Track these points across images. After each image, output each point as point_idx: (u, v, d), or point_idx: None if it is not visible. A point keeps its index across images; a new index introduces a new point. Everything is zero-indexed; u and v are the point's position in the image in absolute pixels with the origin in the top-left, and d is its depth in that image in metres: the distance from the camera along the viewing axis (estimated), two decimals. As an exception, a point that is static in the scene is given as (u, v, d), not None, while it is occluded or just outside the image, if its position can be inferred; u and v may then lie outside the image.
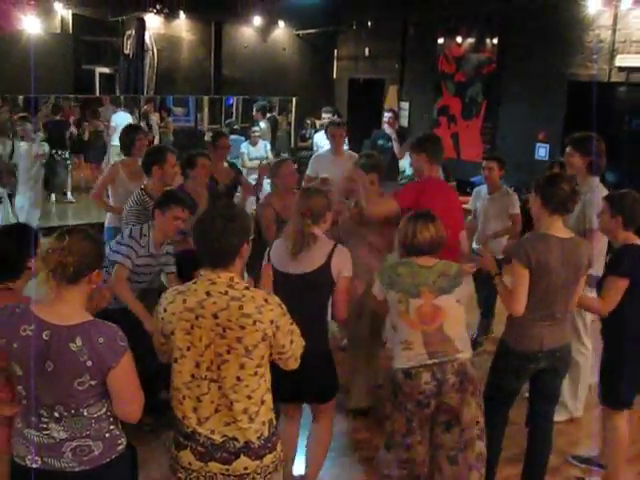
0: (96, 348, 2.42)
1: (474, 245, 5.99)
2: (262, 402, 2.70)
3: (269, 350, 2.68)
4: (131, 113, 11.80)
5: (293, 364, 2.85)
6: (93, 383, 2.46)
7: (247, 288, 2.66)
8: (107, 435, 2.58)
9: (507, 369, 3.69)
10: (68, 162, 11.00)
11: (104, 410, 2.56)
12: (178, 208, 4.22)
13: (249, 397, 2.65)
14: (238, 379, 2.61)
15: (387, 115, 9.06)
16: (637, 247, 3.78)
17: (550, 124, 9.34)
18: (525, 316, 3.51)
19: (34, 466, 2.54)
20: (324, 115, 9.71)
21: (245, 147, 9.64)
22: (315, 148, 9.58)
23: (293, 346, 2.78)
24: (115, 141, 10.96)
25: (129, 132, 5.85)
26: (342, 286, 3.56)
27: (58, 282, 2.48)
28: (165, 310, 2.67)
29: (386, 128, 8.96)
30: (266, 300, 2.65)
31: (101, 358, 2.43)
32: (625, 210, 3.78)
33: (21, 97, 11.13)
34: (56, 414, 2.50)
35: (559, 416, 4.42)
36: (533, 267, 3.44)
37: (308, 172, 6.77)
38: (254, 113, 11.97)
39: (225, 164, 6.10)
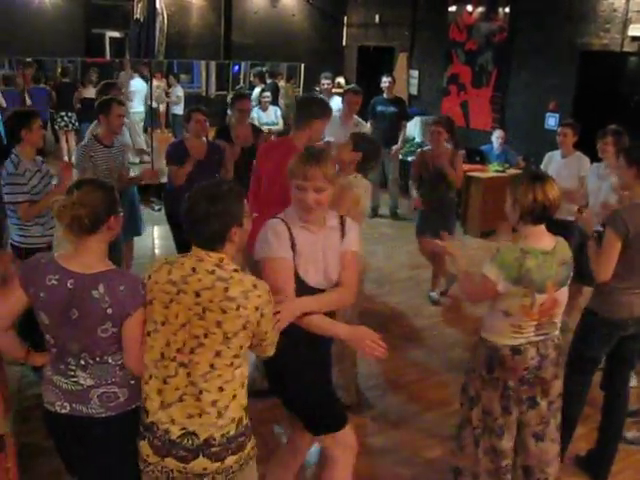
0: (117, 295, 2.49)
1: None
2: (234, 397, 2.55)
3: (249, 340, 2.54)
4: (143, 77, 11.85)
5: (270, 350, 2.71)
6: (115, 330, 2.53)
7: (236, 271, 2.52)
8: (132, 382, 2.64)
9: (595, 337, 3.74)
10: (75, 125, 11.18)
11: None
12: (35, 120, 4.69)
13: (221, 389, 2.50)
14: (212, 367, 2.48)
15: (385, 80, 9.08)
16: None
17: (561, 94, 9.33)
18: (616, 285, 3.56)
19: (63, 412, 2.63)
20: (323, 81, 9.70)
21: (256, 112, 9.68)
22: None
23: (274, 332, 2.67)
24: (135, 107, 11.05)
25: (105, 89, 6.39)
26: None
27: (77, 234, 2.54)
28: (149, 277, 2.56)
29: (385, 94, 9.01)
30: (255, 285, 2.50)
31: (121, 305, 2.49)
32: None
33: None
34: (82, 362, 2.58)
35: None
36: (630, 237, 3.46)
37: None
38: (251, 79, 11.97)
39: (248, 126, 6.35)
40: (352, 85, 7.50)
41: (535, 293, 3.08)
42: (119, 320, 2.51)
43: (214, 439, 2.50)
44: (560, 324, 3.32)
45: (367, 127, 7.44)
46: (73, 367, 2.59)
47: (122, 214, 2.72)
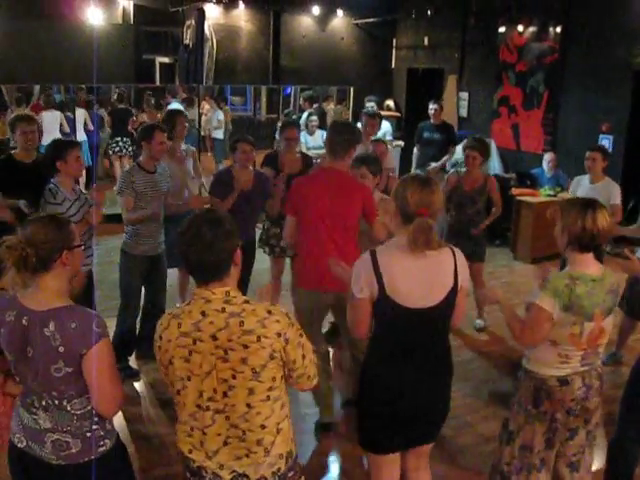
0: (68, 333, 2.40)
1: None
2: (278, 431, 2.46)
3: (281, 369, 2.43)
4: (185, 102, 11.93)
5: (307, 383, 2.56)
6: (69, 370, 2.44)
7: (247, 302, 2.41)
8: (88, 434, 2.55)
9: None
10: (129, 151, 11.35)
11: (89, 407, 2.53)
12: (74, 151, 4.72)
13: (263, 426, 2.42)
14: (248, 406, 2.38)
15: (432, 107, 8.97)
16: None
17: (614, 115, 9.07)
18: None
19: (19, 445, 2.60)
20: (367, 104, 9.63)
21: (303, 137, 9.63)
22: None
23: (305, 362, 2.48)
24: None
25: (171, 116, 6.36)
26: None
27: (30, 272, 2.48)
28: (161, 338, 2.44)
29: (432, 120, 8.91)
30: (269, 312, 2.38)
31: (72, 343, 2.41)
32: None
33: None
34: (43, 402, 2.52)
35: None
36: None
37: None
38: (301, 102, 11.99)
39: (297, 154, 6.24)
40: (367, 108, 7.39)
41: (584, 321, 3.01)
42: (72, 359, 2.42)
43: (266, 478, 2.45)
44: (604, 356, 3.21)
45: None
46: (37, 405, 2.55)
47: (82, 248, 2.65)
